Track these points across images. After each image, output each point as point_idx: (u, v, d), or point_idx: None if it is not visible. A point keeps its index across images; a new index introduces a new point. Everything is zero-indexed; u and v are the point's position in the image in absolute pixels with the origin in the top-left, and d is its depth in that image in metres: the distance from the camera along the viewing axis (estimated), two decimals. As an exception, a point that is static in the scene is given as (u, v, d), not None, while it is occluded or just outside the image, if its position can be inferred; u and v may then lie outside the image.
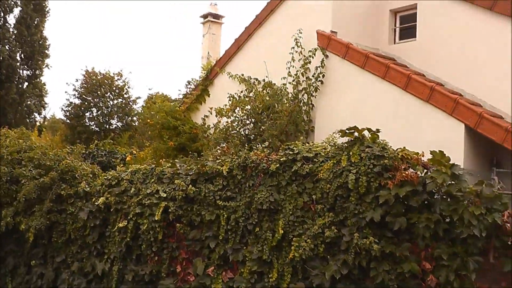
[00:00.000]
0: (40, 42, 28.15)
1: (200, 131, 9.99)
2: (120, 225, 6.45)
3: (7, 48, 26.91)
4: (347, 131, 5.24)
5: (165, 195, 6.23)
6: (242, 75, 9.71)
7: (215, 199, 5.91)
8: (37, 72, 28.36)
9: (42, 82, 28.97)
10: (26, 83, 28.12)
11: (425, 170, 4.93)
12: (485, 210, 4.58)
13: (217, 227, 5.90)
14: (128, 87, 24.50)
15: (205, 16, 14.98)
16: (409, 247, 4.90)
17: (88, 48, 65.61)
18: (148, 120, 11.09)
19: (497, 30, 7.46)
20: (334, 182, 5.15)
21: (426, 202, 4.86)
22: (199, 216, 6.03)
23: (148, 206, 6.30)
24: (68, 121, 24.45)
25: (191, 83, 21.39)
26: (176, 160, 6.79)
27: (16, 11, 27.61)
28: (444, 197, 4.70)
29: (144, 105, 22.74)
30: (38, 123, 29.01)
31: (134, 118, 23.89)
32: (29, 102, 28.33)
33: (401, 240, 4.93)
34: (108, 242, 6.73)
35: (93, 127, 24.07)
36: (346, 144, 5.27)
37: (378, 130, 5.19)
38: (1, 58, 26.41)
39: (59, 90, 70.57)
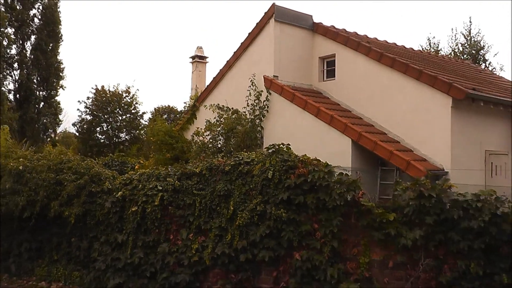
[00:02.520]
0: (55, 66, 28.81)
1: (186, 146, 12.14)
2: (133, 209, 8.09)
3: (25, 72, 27.74)
4: (269, 148, 7.60)
5: (161, 188, 7.99)
6: (218, 104, 12.01)
7: (192, 190, 7.76)
8: (52, 92, 29.03)
9: (57, 102, 29.50)
10: (42, 103, 28.80)
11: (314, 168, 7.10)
12: (345, 190, 6.74)
13: (194, 208, 7.68)
14: (136, 103, 25.27)
15: (193, 57, 17.46)
16: (305, 215, 7.00)
17: (98, 62, 66.63)
18: (151, 138, 13.15)
19: (384, 74, 9.80)
20: (261, 176, 7.26)
21: (315, 187, 6.96)
22: (183, 201, 7.83)
23: (151, 196, 8.01)
24: (80, 135, 25.10)
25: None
26: (169, 166, 8.78)
27: (33, 38, 28.40)
28: (321, 183, 6.87)
29: (150, 119, 23.36)
30: (49, 139, 29.32)
31: (142, 132, 24.59)
32: (45, 120, 29.06)
33: (301, 211, 7.01)
34: (125, 222, 8.33)
35: (103, 140, 24.78)
36: (269, 153, 7.49)
37: (289, 144, 7.54)
38: (20, 81, 27.54)
39: (71, 107, 70.99)
